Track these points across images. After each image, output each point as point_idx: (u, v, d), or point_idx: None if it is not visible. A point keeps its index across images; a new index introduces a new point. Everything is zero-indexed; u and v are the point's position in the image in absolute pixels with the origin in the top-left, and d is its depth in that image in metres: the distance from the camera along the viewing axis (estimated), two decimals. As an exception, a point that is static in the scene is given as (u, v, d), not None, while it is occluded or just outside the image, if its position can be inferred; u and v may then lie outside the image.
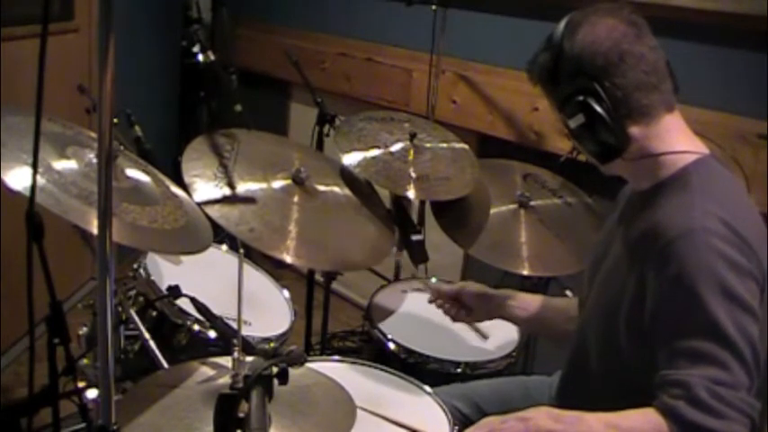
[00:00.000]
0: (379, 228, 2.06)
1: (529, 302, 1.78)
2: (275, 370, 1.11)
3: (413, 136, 2.20)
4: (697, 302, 1.20)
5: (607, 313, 1.40)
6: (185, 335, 1.77)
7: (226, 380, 1.25)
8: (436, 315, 1.89)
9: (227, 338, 1.59)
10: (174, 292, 1.73)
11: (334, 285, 2.87)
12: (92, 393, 1.63)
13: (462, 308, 1.82)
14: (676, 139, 1.36)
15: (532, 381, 1.79)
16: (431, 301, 1.87)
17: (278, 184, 1.96)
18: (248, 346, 1.37)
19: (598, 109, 1.30)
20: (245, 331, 1.43)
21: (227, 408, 1.04)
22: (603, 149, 1.34)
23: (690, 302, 1.21)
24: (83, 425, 1.68)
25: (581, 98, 1.31)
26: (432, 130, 2.35)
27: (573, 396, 1.50)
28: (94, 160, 1.53)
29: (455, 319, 1.85)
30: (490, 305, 1.80)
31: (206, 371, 1.37)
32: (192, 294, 1.72)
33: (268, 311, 1.98)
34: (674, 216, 1.28)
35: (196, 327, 1.76)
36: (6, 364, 2.72)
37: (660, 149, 1.36)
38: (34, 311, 1.36)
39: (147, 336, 1.68)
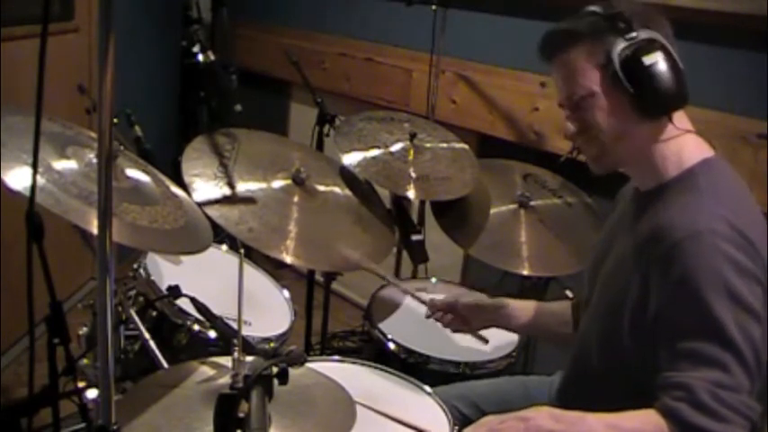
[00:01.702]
0: (379, 228, 2.06)
1: (523, 310, 1.78)
2: (275, 370, 1.11)
3: (413, 136, 2.21)
4: (701, 304, 1.20)
5: (610, 313, 1.39)
6: (185, 335, 1.76)
7: (226, 380, 1.25)
8: (436, 315, 1.89)
9: (227, 338, 1.58)
10: (174, 292, 1.73)
11: (334, 285, 2.87)
12: (92, 393, 1.63)
13: (458, 318, 1.83)
14: (683, 138, 1.36)
15: (532, 380, 1.79)
16: (428, 317, 1.88)
17: (278, 184, 1.97)
18: (248, 346, 1.37)
19: None
20: (245, 331, 1.43)
21: (227, 408, 1.04)
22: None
23: (694, 304, 1.21)
24: (83, 425, 1.68)
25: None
26: (432, 130, 2.35)
27: (574, 396, 1.50)
28: (94, 160, 1.53)
29: (453, 330, 1.86)
30: (485, 315, 1.81)
31: (206, 371, 1.36)
32: (192, 294, 1.72)
33: (268, 311, 1.98)
34: (680, 217, 1.28)
35: (196, 327, 1.76)
36: (6, 364, 2.72)
37: (668, 146, 1.36)
38: (34, 311, 1.36)
39: (147, 336, 1.68)
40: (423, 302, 1.90)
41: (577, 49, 1.36)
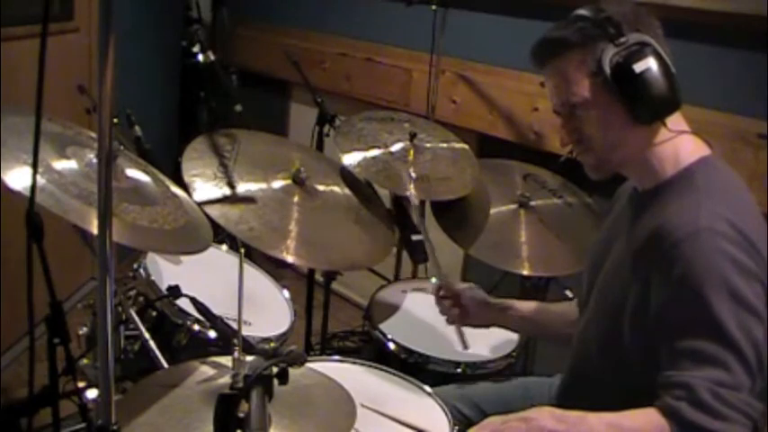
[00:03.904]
0: (379, 228, 2.06)
1: (528, 312, 1.77)
2: (275, 370, 1.11)
3: (413, 136, 2.20)
4: (702, 304, 1.20)
5: (610, 314, 1.39)
6: (185, 335, 1.77)
7: (226, 380, 1.25)
8: (436, 315, 1.89)
9: (227, 338, 1.59)
10: (174, 292, 1.73)
11: (334, 285, 2.87)
12: (92, 393, 1.63)
13: (460, 310, 1.81)
14: (680, 138, 1.36)
15: (532, 381, 1.79)
16: (435, 293, 1.84)
17: (278, 184, 1.96)
18: (248, 346, 1.37)
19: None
20: (245, 331, 1.43)
21: (227, 408, 1.04)
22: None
23: (695, 304, 1.21)
24: (83, 425, 1.68)
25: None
26: (432, 130, 2.35)
27: (574, 397, 1.50)
28: (94, 160, 1.53)
29: (449, 321, 1.83)
30: (489, 313, 1.79)
31: (206, 371, 1.37)
32: (192, 294, 1.72)
33: (268, 311, 1.98)
34: (679, 217, 1.27)
35: (196, 327, 1.76)
36: (6, 364, 2.72)
37: (664, 148, 1.36)
38: (34, 311, 1.36)
39: (147, 336, 1.68)
40: (438, 275, 1.86)
41: (568, 57, 1.35)
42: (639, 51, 1.30)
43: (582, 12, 1.36)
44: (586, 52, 1.33)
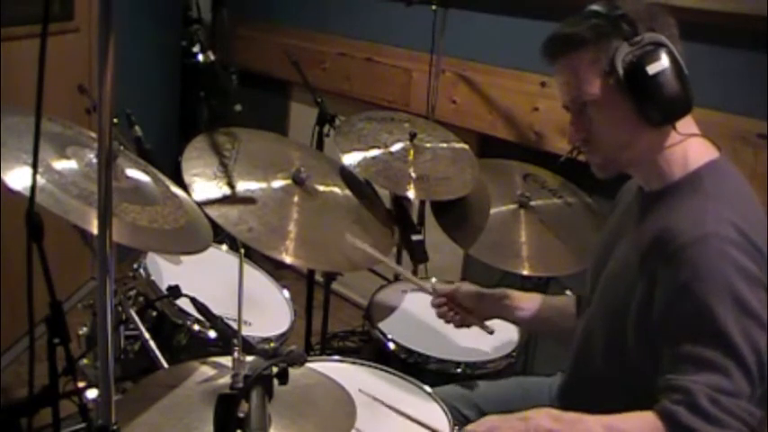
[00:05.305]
0: (379, 228, 2.06)
1: (525, 301, 1.77)
2: (275, 370, 1.11)
3: (413, 136, 2.21)
4: (706, 309, 1.20)
5: (614, 315, 1.39)
6: (185, 335, 1.77)
7: (226, 380, 1.25)
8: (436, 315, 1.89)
9: (227, 338, 1.58)
10: (174, 292, 1.73)
11: (334, 285, 2.87)
12: (92, 393, 1.63)
13: (460, 310, 1.81)
14: (689, 140, 1.36)
15: (532, 381, 1.79)
16: (434, 303, 1.86)
17: (278, 183, 1.96)
18: (248, 346, 1.37)
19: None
20: (245, 331, 1.43)
21: (227, 408, 1.04)
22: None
23: (699, 308, 1.21)
24: (83, 425, 1.68)
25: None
26: (432, 130, 2.35)
27: (575, 397, 1.50)
28: (94, 160, 1.52)
29: (457, 325, 1.82)
30: (486, 305, 1.79)
31: (206, 371, 1.36)
32: (192, 294, 1.72)
33: (268, 311, 1.98)
34: (686, 220, 1.27)
35: (196, 327, 1.76)
36: (6, 364, 2.72)
37: (673, 150, 1.35)
38: (34, 311, 1.36)
39: (147, 336, 1.68)
40: (426, 290, 1.87)
41: (580, 54, 1.33)
42: (654, 52, 1.28)
43: (596, 8, 1.34)
44: (600, 50, 1.31)
